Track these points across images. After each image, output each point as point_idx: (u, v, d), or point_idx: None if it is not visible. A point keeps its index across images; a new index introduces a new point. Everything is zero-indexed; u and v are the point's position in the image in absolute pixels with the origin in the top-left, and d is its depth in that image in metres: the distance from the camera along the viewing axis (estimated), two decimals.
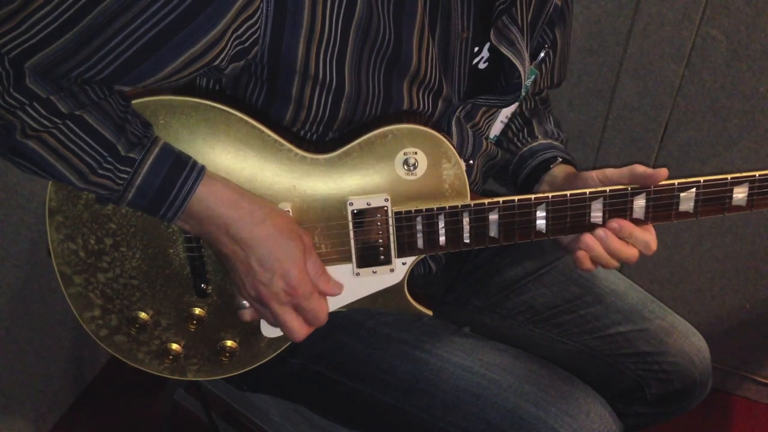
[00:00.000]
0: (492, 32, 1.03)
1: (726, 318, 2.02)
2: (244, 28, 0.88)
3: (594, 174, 1.08)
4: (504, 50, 1.05)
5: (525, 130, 1.29)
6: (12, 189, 1.58)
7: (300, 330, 1.00)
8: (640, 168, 1.03)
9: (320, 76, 0.95)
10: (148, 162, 0.90)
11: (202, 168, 0.93)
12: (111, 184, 0.90)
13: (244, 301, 1.02)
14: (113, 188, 0.90)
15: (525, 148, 1.26)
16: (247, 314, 1.03)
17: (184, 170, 0.91)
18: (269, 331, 1.08)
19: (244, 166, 0.97)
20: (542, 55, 1.18)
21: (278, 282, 0.95)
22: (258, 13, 0.88)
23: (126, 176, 0.89)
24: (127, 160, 0.89)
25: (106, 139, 0.88)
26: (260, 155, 0.98)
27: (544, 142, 1.26)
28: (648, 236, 1.05)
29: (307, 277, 0.97)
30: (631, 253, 1.05)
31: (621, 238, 1.04)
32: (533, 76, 1.17)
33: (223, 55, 0.89)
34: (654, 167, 1.85)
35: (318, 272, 0.99)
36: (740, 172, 1.02)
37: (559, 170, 1.18)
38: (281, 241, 0.94)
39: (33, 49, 0.83)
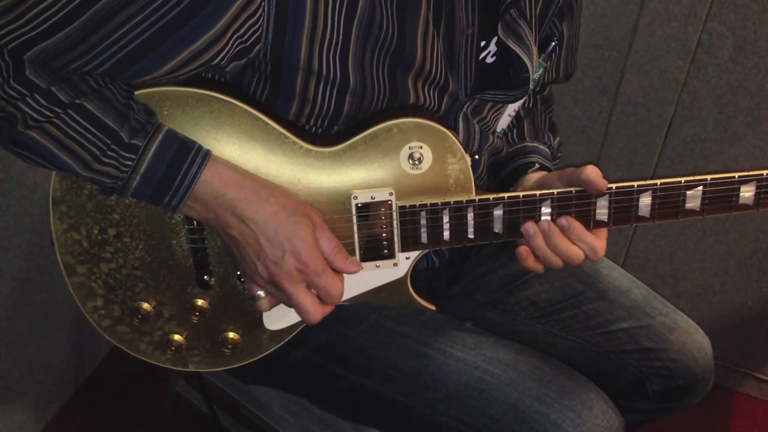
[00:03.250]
0: (500, 26, 1.03)
1: (728, 315, 2.02)
2: (245, 27, 0.88)
3: (555, 175, 1.07)
4: (512, 45, 1.04)
5: (515, 130, 1.28)
6: (14, 179, 1.58)
7: (314, 310, 0.98)
8: (589, 173, 1.00)
9: (324, 72, 0.94)
10: (153, 148, 0.90)
11: (207, 152, 0.92)
12: (115, 171, 0.89)
13: (259, 291, 1.01)
14: (117, 176, 0.90)
15: (512, 149, 1.25)
16: (265, 304, 1.01)
17: (188, 155, 0.91)
18: (272, 323, 1.08)
19: (248, 158, 0.97)
20: (551, 47, 1.17)
21: (289, 259, 0.94)
22: (259, 12, 0.88)
23: (130, 163, 0.89)
24: (131, 147, 0.89)
25: (109, 126, 0.88)
26: (265, 147, 0.97)
27: (530, 145, 1.25)
28: (597, 242, 1.03)
29: (318, 254, 0.96)
30: (575, 252, 1.02)
31: (568, 238, 1.02)
32: (541, 69, 1.17)
33: (224, 54, 0.89)
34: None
35: (334, 249, 0.97)
36: (744, 169, 1.01)
37: (535, 175, 1.17)
38: (288, 218, 0.94)
39: (32, 42, 0.82)
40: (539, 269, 1.06)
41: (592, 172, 0.99)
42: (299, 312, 0.99)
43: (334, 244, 0.97)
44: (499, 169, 1.24)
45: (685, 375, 1.25)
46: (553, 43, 1.18)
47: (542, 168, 1.19)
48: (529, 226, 1.02)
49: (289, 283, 0.95)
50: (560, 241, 1.02)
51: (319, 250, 0.96)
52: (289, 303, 0.99)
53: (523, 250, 1.05)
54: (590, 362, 1.26)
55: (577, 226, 1.02)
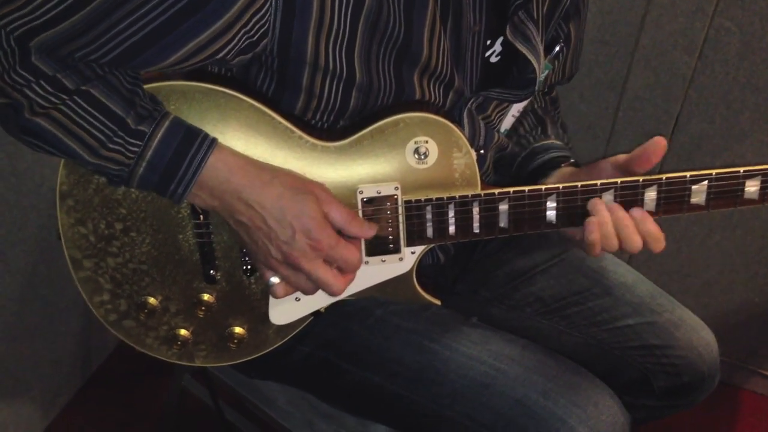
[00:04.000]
0: (508, 28, 1.03)
1: (735, 312, 2.02)
2: (252, 21, 0.88)
3: (608, 162, 1.07)
4: (519, 46, 1.04)
5: (539, 128, 1.29)
6: (22, 174, 1.58)
7: (336, 281, 0.98)
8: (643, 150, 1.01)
9: (330, 67, 0.94)
10: (159, 135, 0.90)
11: (213, 140, 0.92)
12: (122, 158, 0.90)
13: (273, 278, 1.00)
14: (124, 162, 0.90)
15: (538, 144, 1.25)
16: (280, 290, 1.01)
17: (195, 142, 0.91)
18: (278, 318, 1.08)
19: (254, 153, 0.97)
20: (557, 49, 1.17)
21: (300, 238, 0.94)
22: (266, 6, 0.88)
23: (137, 149, 0.89)
24: (137, 133, 0.89)
25: (115, 112, 0.88)
26: (271, 142, 0.98)
27: (557, 142, 1.25)
28: (661, 234, 1.03)
29: (328, 228, 0.96)
30: (637, 241, 1.01)
31: (638, 230, 1.01)
32: (547, 71, 1.16)
33: (230, 47, 0.89)
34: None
35: (347, 218, 0.97)
36: (752, 165, 1.01)
37: (568, 170, 1.17)
38: (293, 197, 0.94)
39: (38, 29, 0.83)
40: (597, 251, 1.03)
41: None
42: (321, 287, 0.98)
43: (345, 213, 0.97)
44: (524, 162, 1.24)
45: (691, 372, 1.25)
46: (560, 45, 1.18)
47: (575, 165, 1.19)
48: (597, 202, 1.01)
49: (305, 260, 0.95)
50: (627, 221, 1.01)
51: (329, 223, 0.96)
52: (308, 283, 0.98)
53: (593, 221, 1.02)
54: (596, 358, 1.26)
55: (648, 219, 1.01)
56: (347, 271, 0.99)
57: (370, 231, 1.00)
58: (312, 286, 0.99)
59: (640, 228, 1.02)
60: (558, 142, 1.25)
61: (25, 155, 1.56)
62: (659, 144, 1.00)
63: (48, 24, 0.82)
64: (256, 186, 0.93)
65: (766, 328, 2.02)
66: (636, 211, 1.01)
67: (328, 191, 0.98)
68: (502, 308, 1.32)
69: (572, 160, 1.19)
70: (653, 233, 1.02)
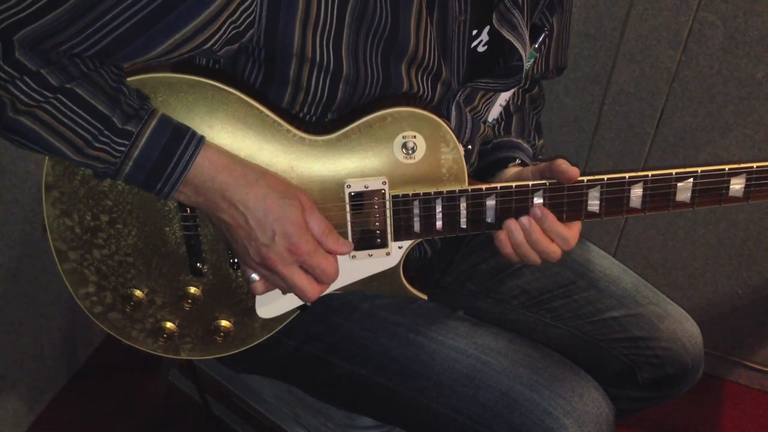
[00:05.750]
0: (494, 16, 1.03)
1: (718, 304, 2.04)
2: (239, 11, 0.88)
3: (530, 170, 1.09)
4: (506, 34, 1.04)
5: (503, 123, 1.29)
6: (5, 168, 1.57)
7: (310, 288, 0.98)
8: (560, 163, 1.01)
9: (317, 59, 0.94)
10: (146, 134, 0.89)
11: (201, 138, 0.92)
12: (108, 157, 0.89)
13: (254, 275, 1.01)
14: (110, 161, 0.89)
15: (496, 140, 1.26)
16: (259, 287, 1.02)
17: (182, 142, 0.90)
18: (264, 311, 1.08)
19: (242, 146, 0.97)
20: (542, 37, 1.17)
21: (279, 242, 0.94)
22: None
23: (123, 149, 0.89)
24: (123, 133, 0.88)
25: (101, 111, 0.87)
26: (258, 135, 0.97)
27: (514, 140, 1.26)
28: (569, 233, 1.05)
29: (309, 234, 0.96)
30: (552, 249, 1.04)
31: (541, 228, 1.03)
32: (533, 59, 1.17)
33: (216, 38, 0.89)
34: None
35: (324, 231, 0.97)
36: (735, 158, 1.02)
37: (512, 170, 1.17)
38: (277, 201, 0.94)
39: (22, 23, 0.82)
40: (515, 260, 1.07)
41: (562, 163, 1.00)
42: (296, 292, 0.99)
43: (324, 225, 0.97)
44: (480, 158, 1.24)
45: (675, 363, 1.26)
46: (545, 34, 1.19)
47: (522, 164, 1.19)
48: (511, 223, 1.03)
49: (282, 265, 0.95)
50: (540, 238, 1.03)
51: (309, 231, 0.96)
52: (284, 284, 0.99)
53: (503, 236, 1.05)
54: (581, 351, 1.27)
55: (550, 217, 1.03)
56: (323, 281, 0.99)
57: (344, 248, 1.00)
58: (287, 286, 0.99)
59: (552, 236, 1.04)
60: (516, 140, 1.25)
61: (8, 150, 1.54)
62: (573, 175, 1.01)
63: (32, 17, 0.82)
64: (241, 185, 0.93)
65: (749, 319, 2.04)
66: (535, 210, 1.03)
67: (311, 200, 0.98)
68: (488, 301, 1.32)
69: (518, 161, 1.19)
70: (562, 234, 1.04)
